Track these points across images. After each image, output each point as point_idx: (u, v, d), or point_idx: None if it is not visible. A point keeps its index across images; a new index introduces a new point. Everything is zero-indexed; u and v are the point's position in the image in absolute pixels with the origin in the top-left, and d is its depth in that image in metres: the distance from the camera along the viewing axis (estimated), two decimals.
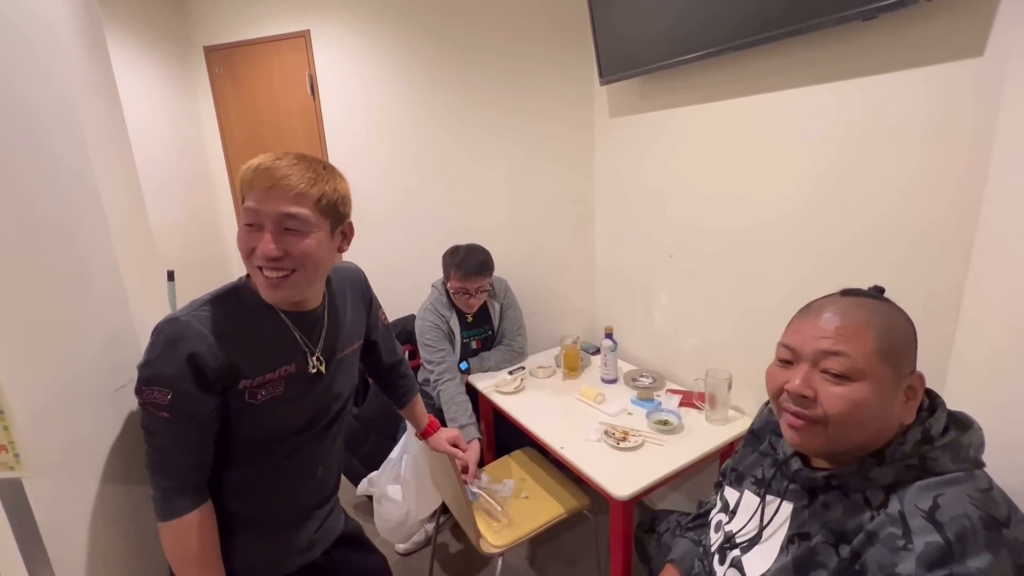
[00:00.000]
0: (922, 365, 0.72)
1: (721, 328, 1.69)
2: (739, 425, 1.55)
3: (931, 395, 0.72)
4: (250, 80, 2.49)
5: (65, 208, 0.84)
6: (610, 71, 1.79)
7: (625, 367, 1.99)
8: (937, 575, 0.56)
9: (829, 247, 1.30)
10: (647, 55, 1.61)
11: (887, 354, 0.66)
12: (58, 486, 0.80)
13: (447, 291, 1.97)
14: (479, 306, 1.99)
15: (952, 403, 0.72)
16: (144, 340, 0.80)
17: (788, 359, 0.73)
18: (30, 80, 0.79)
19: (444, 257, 1.96)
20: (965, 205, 1.02)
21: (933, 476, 0.64)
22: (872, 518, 0.65)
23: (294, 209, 0.77)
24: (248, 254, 0.78)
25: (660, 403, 1.68)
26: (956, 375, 1.01)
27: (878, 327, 0.67)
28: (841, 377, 0.67)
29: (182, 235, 2.50)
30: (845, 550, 0.66)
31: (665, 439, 1.50)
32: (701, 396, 1.62)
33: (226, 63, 2.50)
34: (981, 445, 0.67)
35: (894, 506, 0.63)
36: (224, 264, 2.80)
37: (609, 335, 1.86)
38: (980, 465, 0.66)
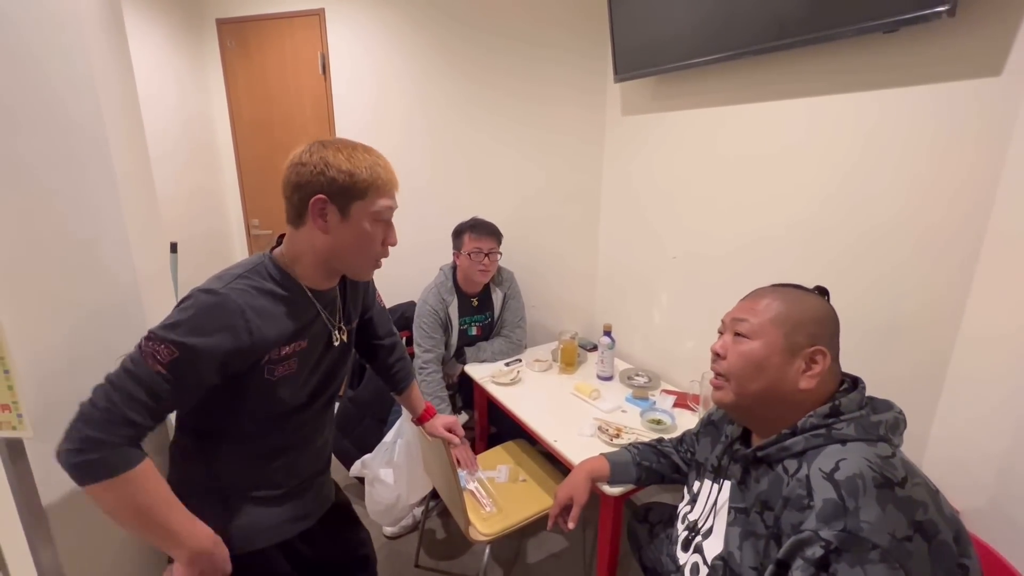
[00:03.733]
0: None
1: None
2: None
3: (855, 381, 0.79)
4: (261, 56, 2.47)
5: (78, 173, 0.83)
6: (625, 69, 1.78)
7: (621, 365, 2.01)
8: (834, 528, 0.62)
9: (833, 256, 1.31)
10: (663, 55, 1.61)
11: (780, 323, 0.78)
12: None
13: (454, 275, 1.98)
14: (488, 280, 1.99)
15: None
16: (148, 309, 0.80)
17: (720, 331, 0.88)
18: (47, 43, 0.78)
19: (455, 230, 1.97)
20: (973, 223, 1.03)
21: (838, 444, 0.70)
22: (788, 484, 0.71)
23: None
24: (382, 246, 0.89)
25: (654, 402, 1.70)
26: (958, 364, 1.03)
27: (778, 303, 0.80)
28: (741, 336, 0.81)
29: (185, 208, 2.49)
30: (769, 517, 0.73)
31: None
32: (695, 398, 1.63)
33: (238, 37, 2.48)
34: (895, 426, 0.73)
35: (803, 471, 0.70)
36: (226, 239, 2.79)
37: (607, 332, 1.87)
38: (891, 443, 0.71)
